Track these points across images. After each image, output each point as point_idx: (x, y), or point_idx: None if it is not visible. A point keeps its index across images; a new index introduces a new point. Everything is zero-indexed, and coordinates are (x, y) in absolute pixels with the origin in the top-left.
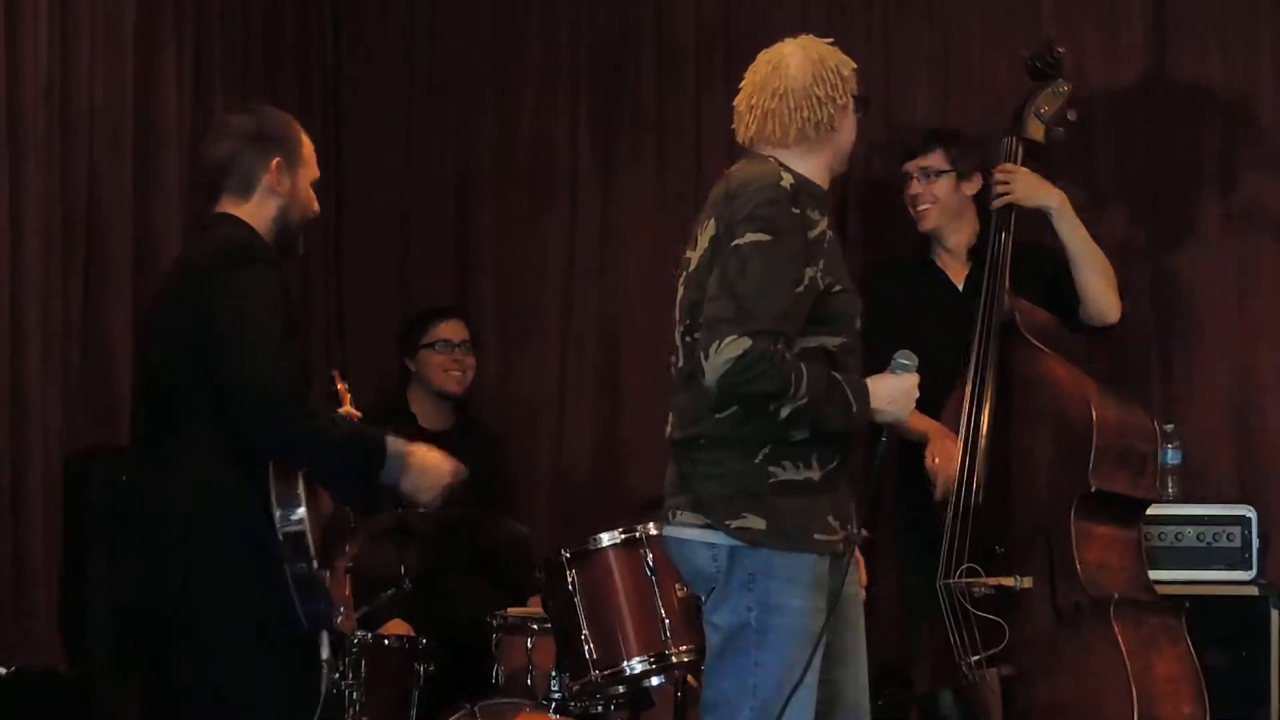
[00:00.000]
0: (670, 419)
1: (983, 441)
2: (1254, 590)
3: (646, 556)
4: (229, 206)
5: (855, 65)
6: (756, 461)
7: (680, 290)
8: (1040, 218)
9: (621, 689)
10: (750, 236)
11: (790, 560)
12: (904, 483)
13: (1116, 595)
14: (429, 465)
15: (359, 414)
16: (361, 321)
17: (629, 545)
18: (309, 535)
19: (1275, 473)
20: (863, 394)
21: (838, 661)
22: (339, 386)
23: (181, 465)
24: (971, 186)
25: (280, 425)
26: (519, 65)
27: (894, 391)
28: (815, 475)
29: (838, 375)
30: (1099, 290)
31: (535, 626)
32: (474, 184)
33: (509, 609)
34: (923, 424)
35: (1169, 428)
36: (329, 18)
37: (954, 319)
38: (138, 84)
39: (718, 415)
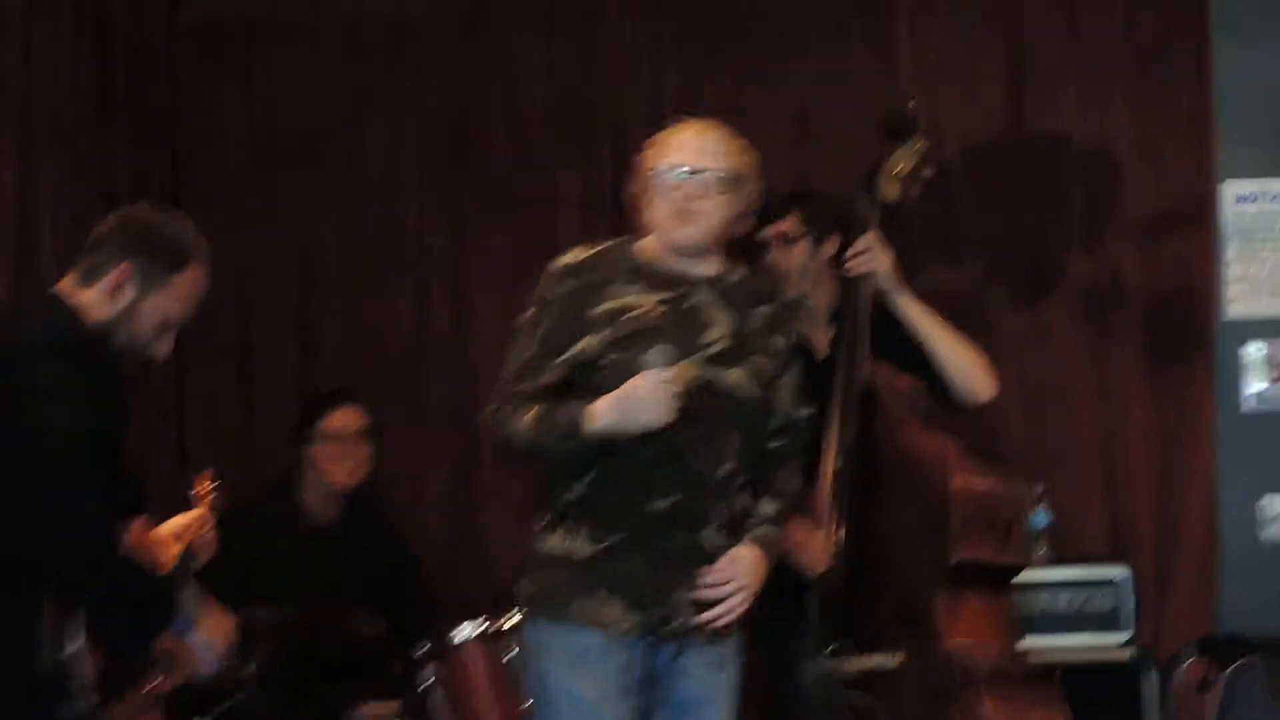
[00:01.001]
0: None
1: (845, 514)
2: (1128, 654)
3: (509, 649)
4: (67, 286)
5: (661, 138)
6: (538, 529)
7: None
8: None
9: None
10: (525, 314)
11: (557, 633)
12: None
13: (987, 669)
14: (214, 624)
15: (215, 518)
16: (200, 402)
17: (489, 638)
18: (81, 672)
19: (1145, 531)
20: (584, 410)
21: None
22: (198, 489)
23: None
24: (829, 248)
25: (59, 560)
26: (365, 132)
27: (619, 394)
28: (585, 548)
29: (561, 402)
30: (961, 370)
31: None
32: (318, 258)
33: (365, 707)
34: None
35: (1038, 489)
36: (165, 85)
37: (816, 385)
38: None
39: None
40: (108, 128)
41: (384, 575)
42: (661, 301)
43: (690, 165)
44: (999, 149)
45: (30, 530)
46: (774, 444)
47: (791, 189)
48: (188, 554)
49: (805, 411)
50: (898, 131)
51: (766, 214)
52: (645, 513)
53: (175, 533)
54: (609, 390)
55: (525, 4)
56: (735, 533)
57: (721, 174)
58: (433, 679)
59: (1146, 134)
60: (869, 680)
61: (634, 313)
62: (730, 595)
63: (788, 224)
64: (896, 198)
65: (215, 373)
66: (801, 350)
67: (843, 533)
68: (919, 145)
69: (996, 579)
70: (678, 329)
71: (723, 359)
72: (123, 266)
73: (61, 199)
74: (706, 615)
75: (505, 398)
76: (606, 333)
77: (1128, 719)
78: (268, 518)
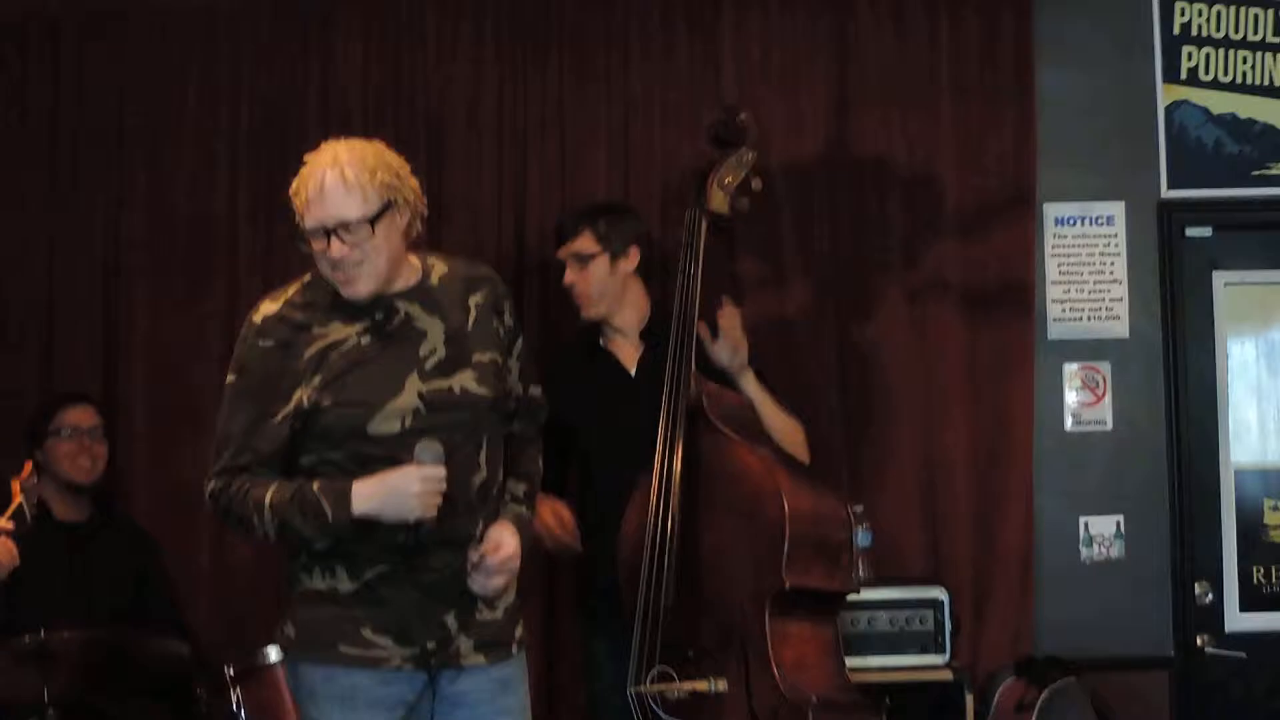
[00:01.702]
0: None
1: (672, 535)
2: (948, 674)
3: None
4: None
5: (292, 190)
6: (293, 569)
7: None
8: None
9: None
10: (228, 378)
11: (324, 673)
12: (586, 588)
13: (814, 698)
14: None
15: (30, 514)
16: (2, 411)
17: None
18: None
19: (963, 553)
20: (341, 496)
21: None
22: (15, 483)
23: None
24: (629, 263)
25: None
26: (174, 133)
27: (385, 486)
28: (344, 585)
29: (311, 485)
30: (787, 446)
31: None
32: (124, 265)
33: None
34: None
35: (858, 509)
36: None
37: (627, 405)
38: None
39: None
40: None
41: (130, 571)
42: (365, 330)
43: (325, 223)
44: (822, 164)
45: None
46: (514, 427)
47: (588, 204)
48: None
49: (537, 390)
50: (726, 141)
51: (560, 233)
52: (400, 543)
53: None
54: (335, 435)
55: None
56: None
57: (359, 218)
58: (240, 702)
59: (969, 154)
60: (695, 704)
61: (341, 349)
62: (498, 566)
63: (580, 242)
64: (725, 210)
65: (17, 384)
66: (612, 368)
67: (671, 555)
68: (748, 157)
69: (825, 604)
70: (389, 352)
71: (444, 368)
72: None
73: None
74: (476, 588)
75: (228, 474)
76: (317, 378)
77: None
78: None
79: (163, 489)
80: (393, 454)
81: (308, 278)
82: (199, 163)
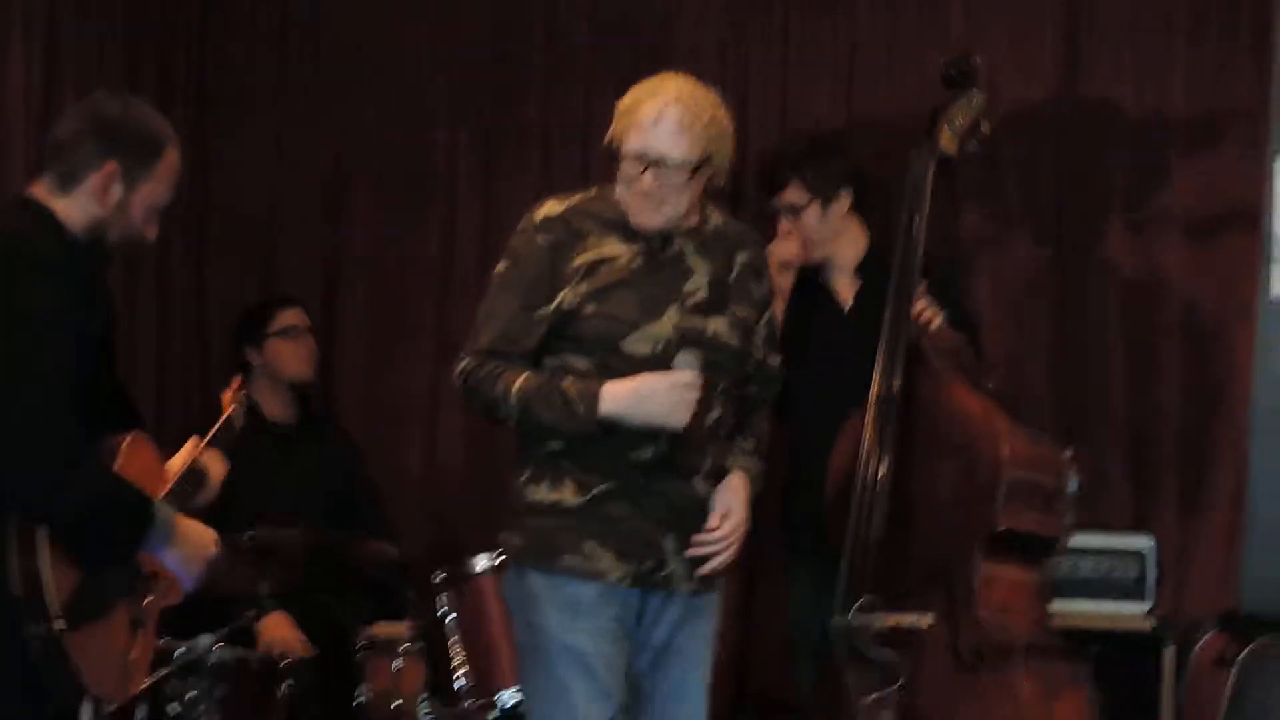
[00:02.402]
0: None
1: (884, 471)
2: (1149, 624)
3: None
4: (42, 193)
5: (623, 106)
6: (520, 481)
7: None
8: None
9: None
10: (499, 265)
11: (548, 581)
12: (793, 514)
13: (1019, 642)
14: (194, 537)
15: (238, 425)
16: (225, 319)
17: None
18: (48, 591)
19: (1170, 501)
20: (592, 395)
21: (647, 704)
22: (226, 395)
23: None
24: (841, 206)
25: (27, 475)
26: (399, 54)
27: (638, 389)
28: (569, 499)
29: (560, 379)
30: None
31: (402, 648)
32: (347, 178)
33: (376, 626)
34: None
35: (1066, 454)
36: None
37: (841, 339)
38: None
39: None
40: (134, 38)
41: (339, 471)
42: (639, 254)
43: (647, 153)
44: (1049, 109)
45: None
46: (747, 391)
47: (796, 148)
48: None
49: (776, 359)
50: (957, 82)
51: (771, 180)
52: (632, 462)
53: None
54: (589, 343)
55: None
56: (720, 481)
57: (680, 163)
58: (447, 606)
59: (1201, 98)
60: (898, 638)
61: (612, 265)
62: (725, 545)
63: (789, 194)
64: (954, 151)
65: (241, 290)
66: (826, 303)
67: (882, 490)
68: (978, 99)
69: (1036, 550)
70: (656, 278)
71: (703, 309)
72: (107, 168)
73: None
74: (705, 569)
75: (483, 355)
76: (584, 285)
77: (1145, 689)
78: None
79: (376, 396)
80: (622, 370)
81: (594, 191)
82: (424, 89)
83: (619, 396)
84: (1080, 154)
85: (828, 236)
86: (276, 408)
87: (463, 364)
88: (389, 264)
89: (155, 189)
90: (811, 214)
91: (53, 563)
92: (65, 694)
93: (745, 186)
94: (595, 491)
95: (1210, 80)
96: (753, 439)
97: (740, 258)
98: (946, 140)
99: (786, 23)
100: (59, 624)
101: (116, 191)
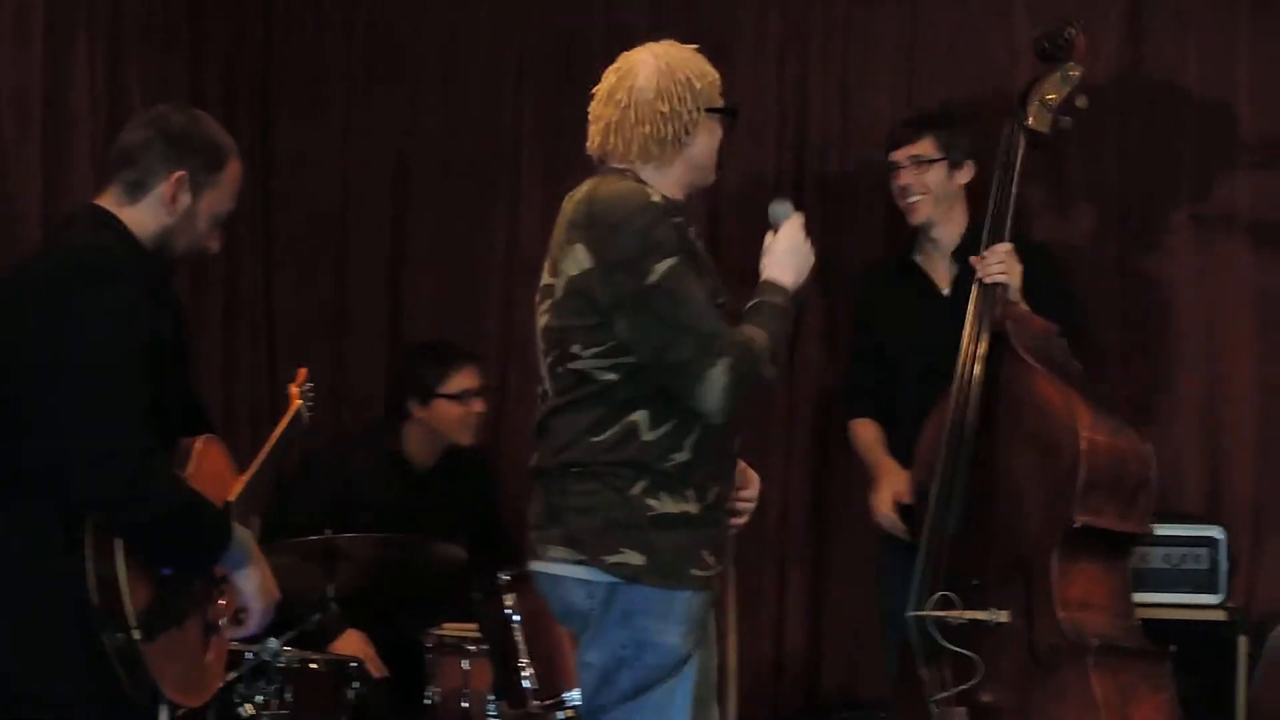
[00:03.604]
0: (537, 448)
1: (964, 461)
2: (1221, 615)
3: None
4: (110, 203)
5: (715, 76)
6: (633, 493)
7: (544, 317)
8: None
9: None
10: (660, 267)
11: (667, 597)
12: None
13: (1096, 642)
14: (261, 586)
15: (306, 417)
16: (291, 316)
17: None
18: (125, 599)
19: (1243, 491)
20: (772, 286)
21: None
22: (293, 388)
23: None
24: (964, 175)
25: (104, 482)
26: (464, 49)
27: (788, 249)
28: (693, 508)
29: (751, 305)
30: None
31: (472, 648)
32: (412, 175)
33: (444, 626)
34: (873, 459)
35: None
36: None
37: (940, 326)
38: (46, 66)
39: (593, 439)
40: (199, 37)
41: (472, 521)
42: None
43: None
44: (1113, 90)
45: (69, 451)
46: None
47: (932, 109)
48: (255, 484)
49: None
50: (1051, 55)
51: (897, 136)
52: (732, 456)
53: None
54: None
55: None
56: None
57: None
58: (513, 608)
59: (1267, 79)
60: (973, 633)
61: (698, 253)
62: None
63: (921, 146)
64: (1046, 129)
65: (308, 287)
66: (926, 287)
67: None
68: (1074, 72)
69: (1117, 546)
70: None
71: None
72: (175, 176)
73: (150, 102)
74: (737, 522)
75: (725, 347)
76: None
77: (1218, 680)
78: (367, 459)
79: None
80: None
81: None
82: (488, 78)
83: (784, 268)
84: (1144, 135)
85: (944, 203)
86: (424, 456)
87: (719, 370)
88: (453, 259)
89: (219, 198)
90: (937, 172)
91: (129, 571)
92: (144, 701)
93: (807, 174)
94: (710, 498)
95: (1275, 60)
96: None
97: None
98: (1037, 117)
99: (848, 8)
100: (136, 633)
101: (184, 200)
